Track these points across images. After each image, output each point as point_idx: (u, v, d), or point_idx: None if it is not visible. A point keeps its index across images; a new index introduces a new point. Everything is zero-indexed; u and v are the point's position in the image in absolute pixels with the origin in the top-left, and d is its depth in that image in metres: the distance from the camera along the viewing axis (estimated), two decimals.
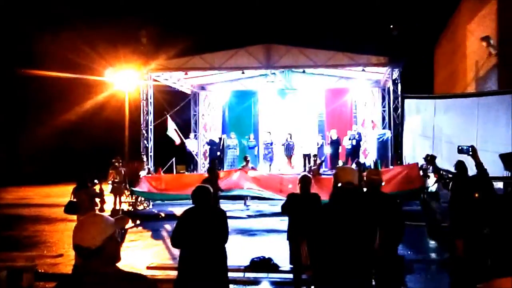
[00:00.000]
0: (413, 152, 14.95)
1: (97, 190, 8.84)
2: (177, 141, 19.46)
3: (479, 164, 6.09)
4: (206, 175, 12.32)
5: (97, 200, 8.75)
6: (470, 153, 6.25)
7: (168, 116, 19.49)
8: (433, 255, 9.62)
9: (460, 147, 6.38)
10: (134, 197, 15.89)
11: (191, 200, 5.07)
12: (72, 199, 8.73)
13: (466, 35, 20.22)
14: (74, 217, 8.58)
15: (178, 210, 14.27)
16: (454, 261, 5.91)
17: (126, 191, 15.66)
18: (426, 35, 27.60)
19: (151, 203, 16.48)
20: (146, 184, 14.54)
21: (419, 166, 13.15)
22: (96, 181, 8.98)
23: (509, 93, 14.62)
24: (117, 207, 15.32)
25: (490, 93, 15.59)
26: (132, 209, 15.56)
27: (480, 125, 14.59)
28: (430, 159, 12.85)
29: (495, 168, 12.07)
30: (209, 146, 19.86)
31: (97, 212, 8.73)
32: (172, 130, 19.32)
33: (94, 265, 2.38)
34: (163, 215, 14.54)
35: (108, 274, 2.39)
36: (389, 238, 5.34)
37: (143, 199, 16.17)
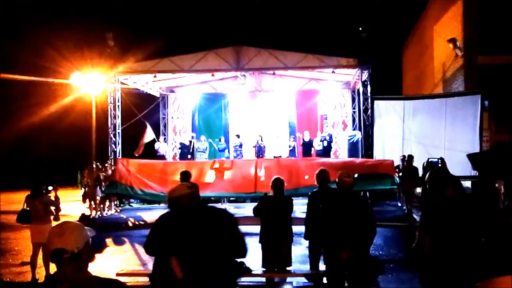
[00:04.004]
0: (383, 152, 15.08)
1: (52, 198, 8.52)
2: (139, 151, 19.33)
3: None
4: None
5: (52, 208, 8.44)
6: (439, 165, 6.36)
7: (147, 124, 19.24)
8: (405, 255, 9.63)
9: (429, 160, 6.48)
10: (101, 203, 15.51)
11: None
12: (25, 207, 8.43)
13: (433, 37, 20.55)
14: None
15: (147, 216, 14.04)
16: (421, 256, 5.93)
17: (98, 196, 15.25)
18: (395, 37, 27.99)
19: (119, 208, 16.17)
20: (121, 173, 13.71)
21: (395, 166, 13.22)
22: (51, 188, 8.63)
23: (475, 93, 14.91)
24: (90, 212, 14.99)
25: (457, 94, 15.85)
26: (100, 215, 15.18)
27: (448, 125, 14.84)
28: (408, 159, 12.99)
29: (463, 167, 12.34)
30: (179, 150, 19.63)
31: (52, 220, 8.46)
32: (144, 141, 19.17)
33: (70, 271, 2.37)
34: (132, 220, 14.23)
35: (83, 280, 2.40)
36: (360, 239, 5.30)
37: (113, 204, 15.83)
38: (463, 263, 3.03)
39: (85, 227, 2.57)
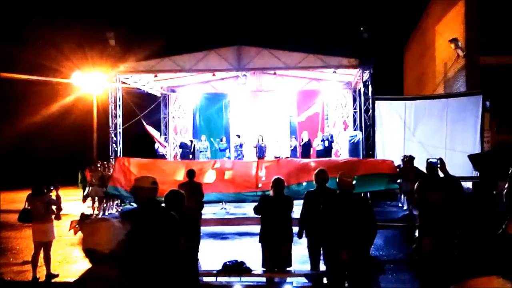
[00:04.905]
0: (384, 153, 15.05)
1: (53, 197, 8.54)
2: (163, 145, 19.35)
3: (446, 175, 6.18)
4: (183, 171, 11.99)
5: (54, 207, 8.45)
6: (439, 165, 6.34)
7: (145, 124, 19.20)
8: (405, 255, 9.63)
9: (429, 160, 6.46)
10: (102, 202, 15.51)
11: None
12: (26, 206, 8.46)
13: (434, 37, 20.53)
14: None
15: None
16: (420, 257, 5.97)
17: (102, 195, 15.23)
18: (396, 37, 27.96)
19: (120, 208, 16.15)
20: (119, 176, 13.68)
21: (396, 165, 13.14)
22: (52, 187, 8.65)
23: (477, 94, 14.88)
24: (95, 211, 14.98)
25: (459, 94, 15.82)
26: (103, 214, 15.18)
27: (449, 125, 14.81)
28: (409, 160, 12.93)
29: (464, 168, 12.31)
30: (180, 149, 19.65)
31: (53, 219, 8.46)
32: (158, 139, 19.16)
33: (102, 269, 2.42)
34: None
35: (116, 278, 2.44)
36: (361, 239, 5.30)
37: (113, 203, 15.82)
38: (456, 262, 3.04)
39: (119, 222, 2.53)
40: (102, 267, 2.36)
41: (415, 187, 6.42)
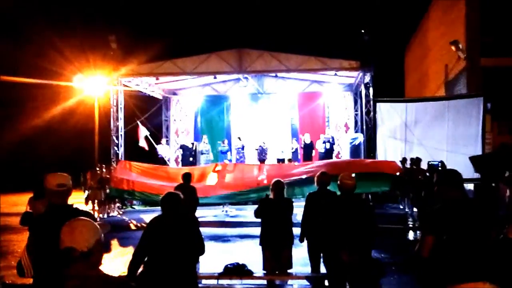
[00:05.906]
0: (385, 154, 15.06)
1: None
2: (146, 148, 19.19)
3: None
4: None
5: None
6: (440, 168, 6.32)
7: (139, 122, 19.10)
8: (407, 257, 9.62)
9: (430, 163, 6.45)
10: (104, 205, 15.53)
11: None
12: (28, 209, 8.44)
13: (435, 39, 20.53)
14: None
15: (149, 218, 13.96)
16: (418, 258, 5.93)
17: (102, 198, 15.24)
18: (397, 40, 27.97)
19: (122, 210, 16.19)
20: (122, 178, 13.71)
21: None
22: None
23: (478, 96, 14.88)
24: (93, 213, 14.98)
25: (460, 96, 15.82)
26: (102, 217, 15.20)
27: (450, 127, 14.82)
28: (416, 162, 12.86)
29: (465, 170, 12.27)
30: (181, 151, 19.64)
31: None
32: (142, 139, 19.00)
33: (80, 268, 2.35)
34: (134, 222, 14.24)
35: (91, 277, 2.37)
36: (362, 241, 5.29)
37: (114, 206, 15.85)
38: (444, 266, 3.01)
39: (99, 223, 2.53)
40: (79, 266, 2.35)
41: (434, 180, 6.35)
